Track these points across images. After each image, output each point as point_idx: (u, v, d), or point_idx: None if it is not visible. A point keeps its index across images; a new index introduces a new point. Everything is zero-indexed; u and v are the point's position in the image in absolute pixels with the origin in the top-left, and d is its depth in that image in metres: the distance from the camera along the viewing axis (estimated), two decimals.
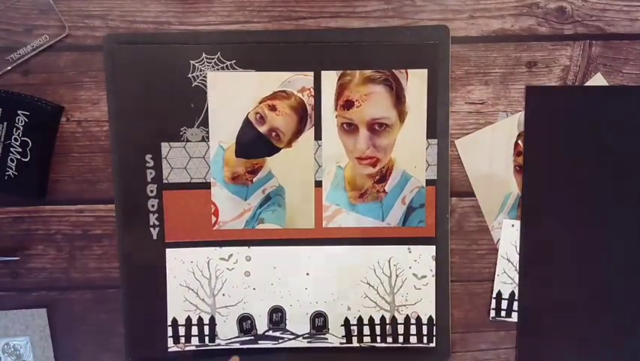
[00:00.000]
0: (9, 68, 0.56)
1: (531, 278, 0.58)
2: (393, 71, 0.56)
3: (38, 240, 0.58)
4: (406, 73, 0.56)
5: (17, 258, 0.58)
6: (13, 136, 0.55)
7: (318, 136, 0.56)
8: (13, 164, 0.56)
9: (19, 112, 0.55)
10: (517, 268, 0.58)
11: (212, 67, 0.55)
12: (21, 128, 0.55)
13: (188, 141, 0.56)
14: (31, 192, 0.57)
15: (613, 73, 0.57)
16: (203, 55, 0.55)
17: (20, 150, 0.56)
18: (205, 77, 0.55)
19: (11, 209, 0.58)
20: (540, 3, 0.56)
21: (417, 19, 0.56)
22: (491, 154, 0.57)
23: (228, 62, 0.55)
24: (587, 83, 0.57)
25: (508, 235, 0.58)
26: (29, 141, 0.56)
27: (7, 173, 0.56)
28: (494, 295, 0.59)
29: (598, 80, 0.57)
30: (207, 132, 0.56)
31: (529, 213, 0.58)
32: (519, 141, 0.57)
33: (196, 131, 0.56)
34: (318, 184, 0.57)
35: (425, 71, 0.56)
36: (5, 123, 0.55)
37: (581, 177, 0.57)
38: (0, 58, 0.55)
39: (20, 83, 0.56)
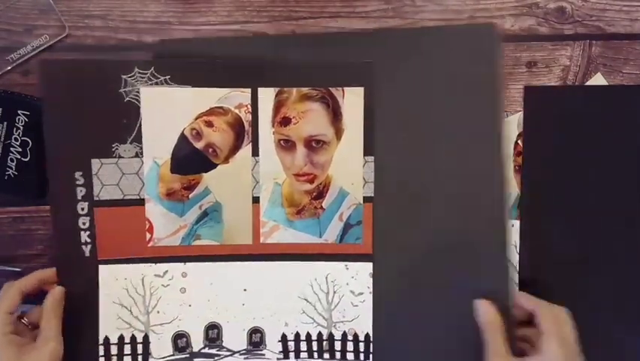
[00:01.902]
0: (9, 68, 0.56)
1: (531, 278, 0.58)
2: (330, 88, 0.55)
3: (38, 240, 0.58)
4: (343, 91, 0.55)
5: (20, 270, 0.58)
6: (13, 136, 0.55)
7: (255, 152, 0.56)
8: (13, 164, 0.56)
9: (19, 112, 0.55)
10: (517, 268, 0.58)
11: (146, 82, 0.54)
12: (21, 128, 0.55)
13: (120, 157, 0.55)
14: (31, 192, 0.57)
15: (613, 73, 0.57)
16: (136, 69, 0.54)
17: (20, 149, 0.56)
18: (138, 92, 0.54)
19: (11, 209, 0.58)
20: (540, 3, 0.56)
21: (417, 19, 0.56)
22: None
23: (162, 77, 0.54)
24: (587, 83, 0.57)
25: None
26: (29, 141, 0.56)
27: (7, 173, 0.56)
28: None
29: (598, 79, 0.57)
30: (141, 148, 0.55)
31: (529, 213, 0.58)
32: (519, 141, 0.57)
33: (129, 147, 0.54)
34: (256, 200, 0.56)
35: (361, 89, 0.55)
36: (5, 123, 0.55)
37: (581, 177, 0.57)
38: (0, 58, 0.55)
39: (20, 83, 0.56)
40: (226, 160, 0.56)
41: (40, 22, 0.55)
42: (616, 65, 0.57)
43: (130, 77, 0.54)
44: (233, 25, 0.56)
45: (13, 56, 0.55)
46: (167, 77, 0.54)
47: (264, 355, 0.58)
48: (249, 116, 0.55)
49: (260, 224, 0.56)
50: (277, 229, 0.57)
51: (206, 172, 0.56)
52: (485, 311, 0.53)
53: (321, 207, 0.57)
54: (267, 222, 0.57)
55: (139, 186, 0.55)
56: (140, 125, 0.54)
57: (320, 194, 0.56)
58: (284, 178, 0.56)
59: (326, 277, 0.57)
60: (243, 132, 0.56)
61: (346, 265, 0.57)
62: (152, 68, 0.54)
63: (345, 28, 0.56)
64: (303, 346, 0.58)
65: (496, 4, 0.56)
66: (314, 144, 0.56)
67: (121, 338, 0.56)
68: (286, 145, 0.56)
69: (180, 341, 0.57)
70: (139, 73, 0.53)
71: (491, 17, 0.56)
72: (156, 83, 0.54)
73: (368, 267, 0.57)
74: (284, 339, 0.58)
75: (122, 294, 0.56)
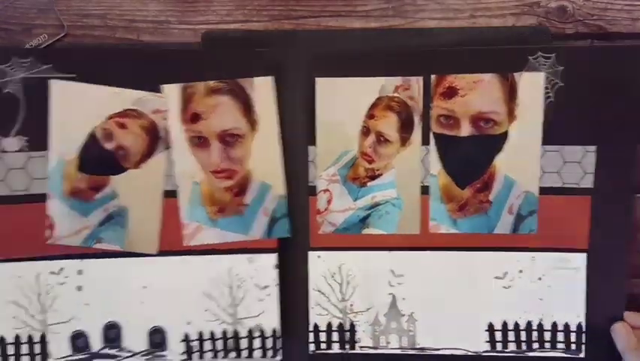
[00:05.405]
0: None
1: None
2: (238, 80, 0.54)
3: None
4: (251, 82, 0.54)
5: None
6: None
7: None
8: None
9: None
10: None
11: (26, 71, 0.52)
12: None
13: (4, 151, 0.53)
14: None
15: None
16: (13, 59, 0.52)
17: None
18: (18, 82, 0.52)
19: None
20: (541, 2, 0.56)
21: (417, 18, 0.56)
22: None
23: (45, 67, 0.52)
24: None
25: None
26: None
27: None
28: None
29: None
30: (27, 141, 0.53)
31: None
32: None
33: (13, 140, 0.53)
34: (172, 194, 0.55)
35: (270, 79, 0.54)
36: None
37: None
38: None
39: None
40: (137, 165, 0.54)
41: (39, 22, 0.55)
42: None
43: (7, 66, 0.52)
44: (233, 25, 0.56)
45: None
46: (49, 65, 0.52)
47: (165, 356, 0.56)
48: (166, 123, 0.54)
49: (181, 226, 0.55)
50: (201, 229, 0.55)
51: (114, 175, 0.54)
52: (623, 337, 0.54)
53: (244, 204, 0.55)
54: (189, 224, 0.55)
55: (27, 182, 0.54)
56: (25, 117, 0.53)
57: (242, 190, 0.55)
58: (202, 177, 0.55)
59: (229, 272, 0.55)
60: (157, 138, 0.54)
61: (249, 258, 0.55)
62: (31, 57, 0.52)
63: (345, 27, 0.56)
64: (208, 345, 0.56)
65: (498, 3, 0.56)
66: (228, 139, 0.54)
67: (17, 337, 0.55)
68: (199, 142, 0.54)
69: (79, 341, 0.56)
70: (18, 62, 0.52)
71: (492, 16, 0.56)
72: (37, 72, 0.52)
73: (272, 258, 0.56)
74: (187, 339, 0.56)
75: (16, 293, 0.55)
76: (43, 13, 0.55)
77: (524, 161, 0.55)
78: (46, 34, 0.55)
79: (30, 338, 0.55)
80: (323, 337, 0.57)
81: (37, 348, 0.55)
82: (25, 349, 0.55)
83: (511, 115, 0.54)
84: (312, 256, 0.56)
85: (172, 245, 0.55)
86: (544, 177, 0.55)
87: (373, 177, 0.56)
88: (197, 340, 0.56)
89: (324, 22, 0.56)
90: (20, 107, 0.52)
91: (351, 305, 0.57)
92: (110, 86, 0.53)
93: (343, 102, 0.55)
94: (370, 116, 0.55)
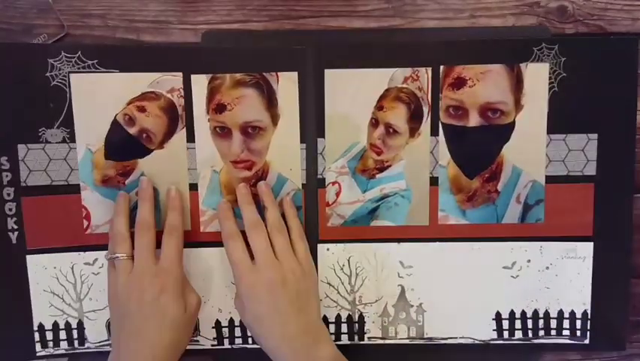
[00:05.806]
0: None
1: None
2: (264, 74, 0.55)
3: None
4: (277, 76, 0.55)
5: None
6: None
7: (190, 139, 0.55)
8: None
9: None
10: None
11: (73, 66, 0.53)
12: None
13: (47, 142, 0.54)
14: None
15: None
16: (62, 53, 0.53)
17: None
18: (65, 76, 0.53)
19: None
20: (541, 2, 0.56)
21: (417, 18, 0.56)
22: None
23: (90, 62, 0.53)
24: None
25: None
26: None
27: None
28: None
29: None
30: (68, 133, 0.54)
31: None
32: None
33: (56, 132, 0.54)
34: (193, 188, 0.56)
35: (296, 74, 0.55)
36: None
37: None
38: None
39: None
40: (161, 145, 0.55)
41: (39, 22, 0.55)
42: None
43: (56, 60, 0.53)
44: (234, 25, 0.56)
45: None
46: (95, 61, 0.53)
47: (198, 341, 0.58)
48: (182, 101, 0.55)
49: (199, 213, 0.56)
50: (217, 217, 0.56)
51: (141, 158, 0.55)
52: None
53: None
54: (207, 211, 0.56)
55: (67, 172, 0.55)
56: (68, 109, 0.54)
57: (258, 181, 0.56)
58: (221, 166, 0.56)
59: None
60: (176, 117, 0.55)
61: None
62: (79, 52, 0.53)
63: (345, 27, 0.56)
64: (237, 331, 0.58)
65: (498, 3, 0.56)
66: (250, 131, 0.55)
67: (55, 324, 0.57)
68: (222, 132, 0.55)
69: None
70: (65, 57, 0.53)
71: (492, 16, 0.56)
72: (83, 67, 0.53)
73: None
74: (218, 325, 0.58)
75: (52, 282, 0.56)
76: (43, 13, 0.55)
77: (531, 150, 0.56)
78: (46, 34, 0.55)
79: (68, 324, 0.57)
80: (332, 329, 0.58)
81: (75, 333, 0.57)
82: (63, 335, 0.57)
83: (517, 105, 0.55)
84: (321, 248, 0.57)
85: (202, 236, 0.57)
86: (550, 165, 0.56)
87: (382, 169, 0.56)
88: (227, 327, 0.58)
89: (324, 22, 0.56)
90: (66, 99, 0.54)
91: (360, 297, 0.58)
92: (126, 72, 0.54)
93: (352, 94, 0.55)
94: (379, 107, 0.55)
